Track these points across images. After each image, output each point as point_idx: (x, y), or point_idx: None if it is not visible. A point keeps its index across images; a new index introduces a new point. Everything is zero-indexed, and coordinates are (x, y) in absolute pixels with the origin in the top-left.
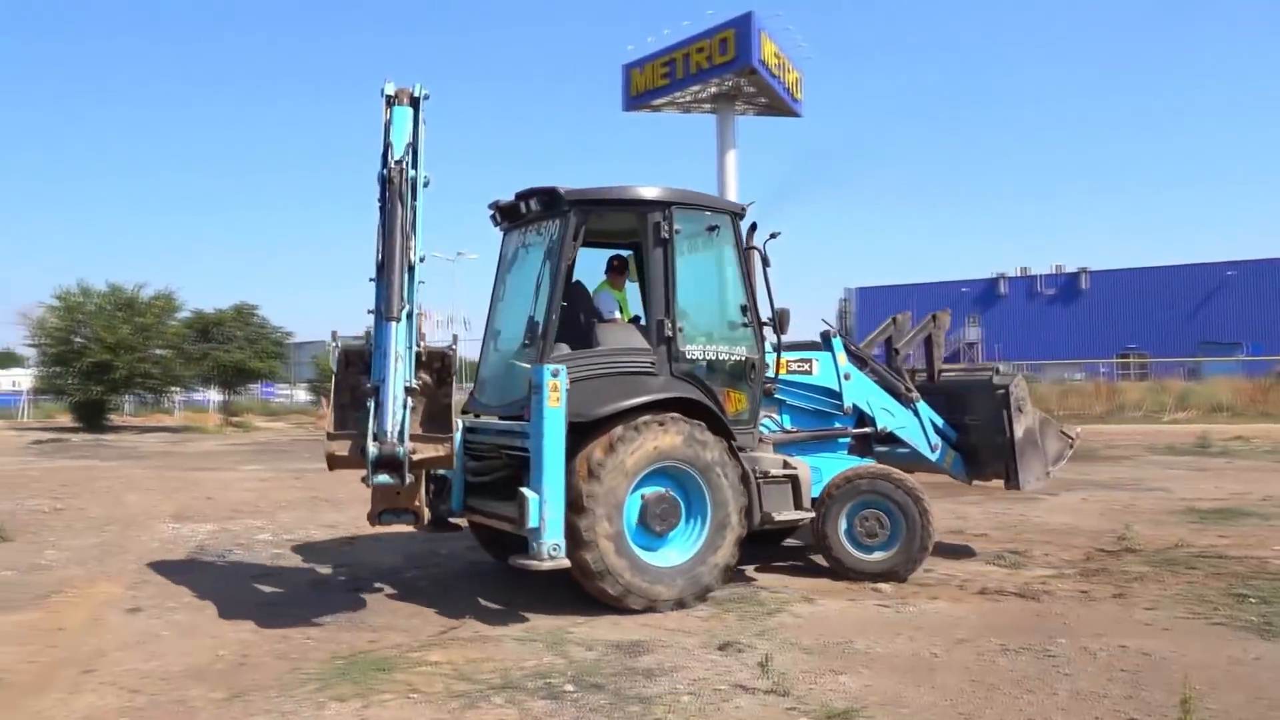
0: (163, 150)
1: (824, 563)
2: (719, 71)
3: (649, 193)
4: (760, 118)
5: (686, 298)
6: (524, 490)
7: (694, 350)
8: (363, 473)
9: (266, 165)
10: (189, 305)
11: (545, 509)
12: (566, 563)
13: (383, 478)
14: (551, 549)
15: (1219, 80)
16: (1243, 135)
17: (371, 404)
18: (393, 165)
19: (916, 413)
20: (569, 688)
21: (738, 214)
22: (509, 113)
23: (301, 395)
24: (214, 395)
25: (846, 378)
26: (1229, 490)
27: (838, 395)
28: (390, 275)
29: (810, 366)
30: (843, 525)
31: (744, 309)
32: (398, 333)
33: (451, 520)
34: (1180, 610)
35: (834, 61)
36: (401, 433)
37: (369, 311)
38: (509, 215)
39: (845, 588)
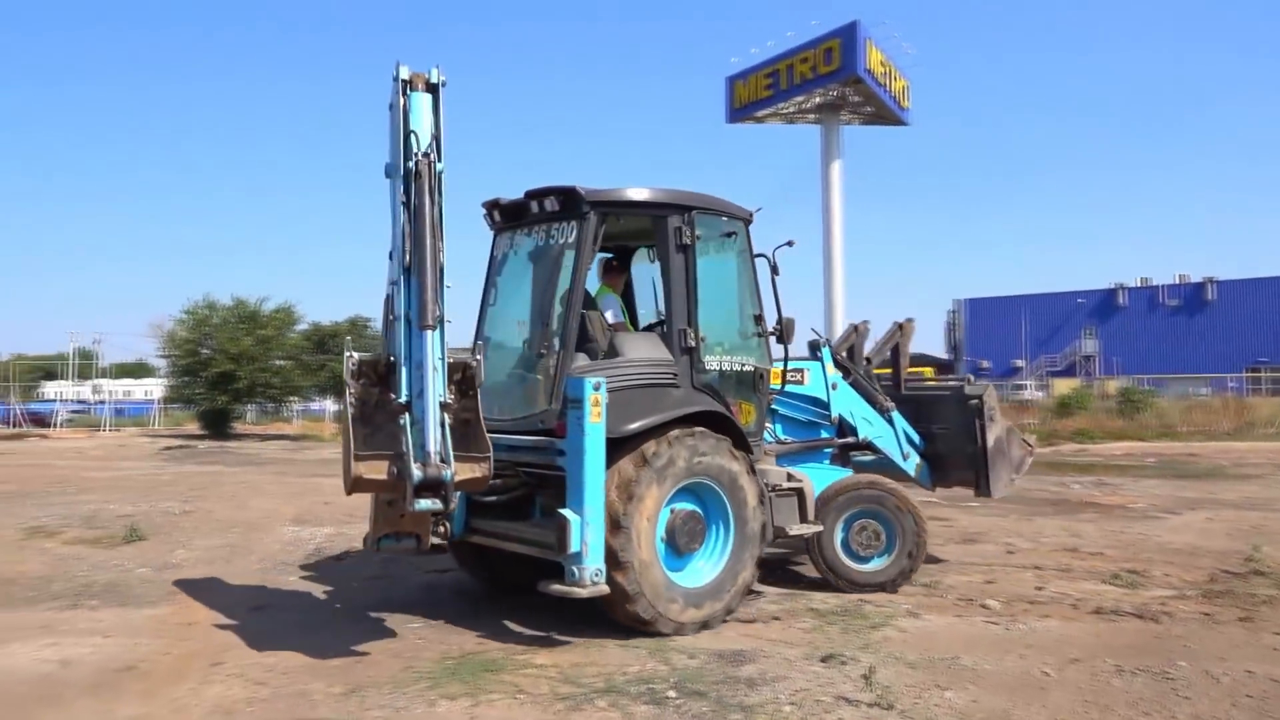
0: (288, 170)
1: (814, 573)
2: (824, 81)
3: (672, 196)
4: (867, 127)
5: (705, 306)
6: (564, 512)
7: (713, 361)
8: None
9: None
10: (307, 318)
11: (588, 532)
12: (607, 589)
13: (425, 502)
14: (594, 574)
15: None
16: None
17: (406, 421)
18: (420, 158)
19: (891, 422)
20: (671, 694)
21: (748, 220)
22: (610, 122)
23: None
24: (330, 405)
25: (834, 388)
26: None
27: (826, 405)
28: (423, 278)
29: (802, 377)
30: (839, 535)
31: (756, 318)
32: (433, 342)
33: (440, 543)
34: None
35: (944, 67)
36: (445, 453)
37: (391, 319)
38: (511, 215)
39: (953, 603)
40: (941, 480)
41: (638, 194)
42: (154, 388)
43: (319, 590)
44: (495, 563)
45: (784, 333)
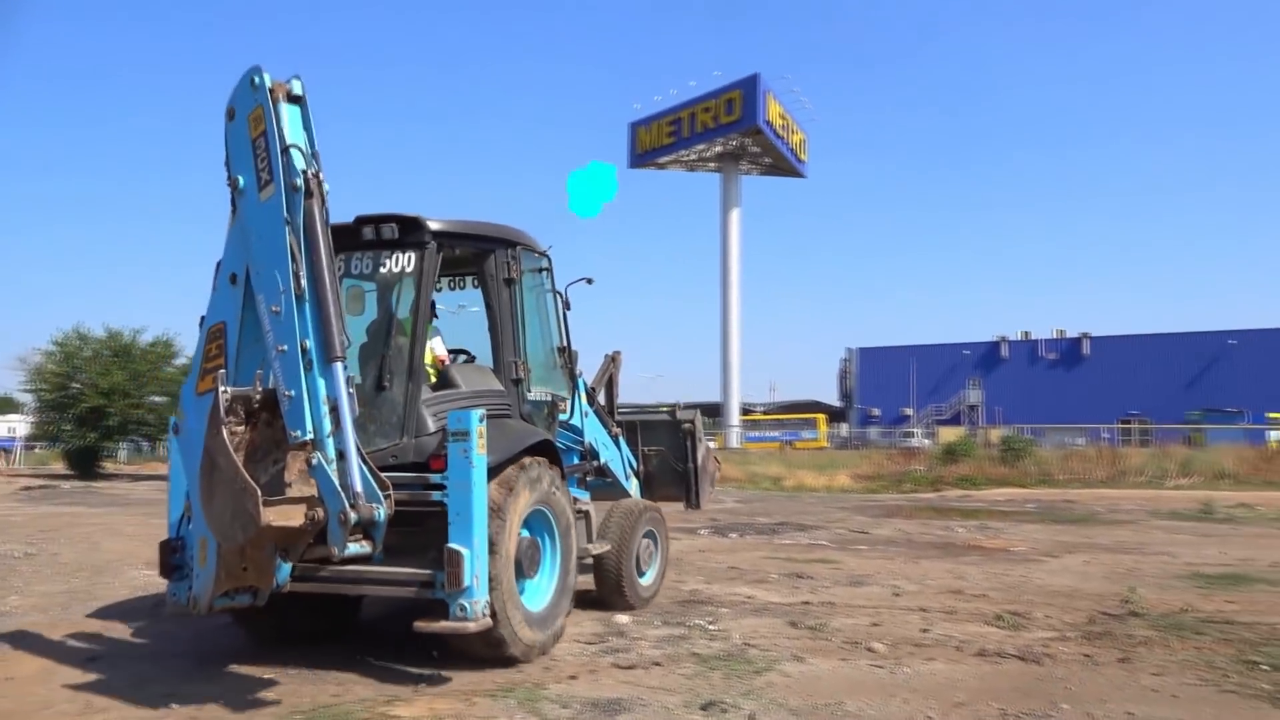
0: (167, 196)
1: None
2: (724, 131)
3: (504, 231)
4: (765, 177)
5: (528, 338)
6: (454, 546)
7: (533, 392)
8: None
9: None
10: (186, 352)
11: (477, 565)
12: (490, 622)
13: (355, 547)
14: (484, 608)
15: (1227, 152)
16: (1245, 208)
17: (319, 461)
18: (309, 174)
19: (619, 446)
20: None
21: (548, 255)
22: (507, 162)
23: None
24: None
25: (586, 416)
26: (1235, 556)
27: (580, 432)
28: (324, 307)
29: (566, 406)
30: (633, 554)
31: (560, 350)
32: (341, 375)
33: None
34: (1188, 677)
35: (840, 123)
36: (373, 492)
37: (280, 350)
38: (339, 240)
39: (839, 646)
40: (649, 495)
41: (476, 227)
42: (19, 424)
43: (163, 640)
44: (286, 612)
45: (572, 364)
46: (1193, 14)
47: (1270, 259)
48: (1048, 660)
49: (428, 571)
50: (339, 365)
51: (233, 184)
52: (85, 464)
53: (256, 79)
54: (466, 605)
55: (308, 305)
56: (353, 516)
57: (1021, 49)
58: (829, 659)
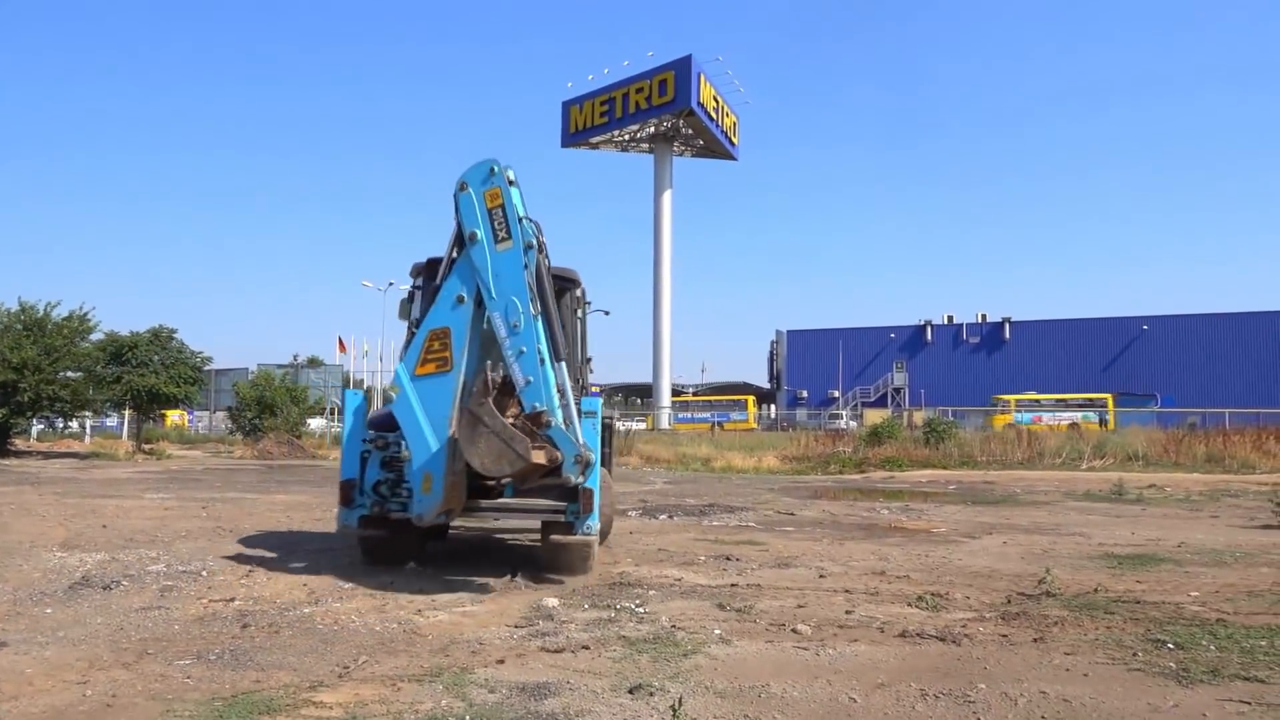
0: (89, 170)
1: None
2: (657, 112)
3: (575, 274)
4: (698, 159)
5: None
6: (588, 486)
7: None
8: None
9: (209, 193)
10: (104, 327)
11: (597, 500)
12: (598, 538)
13: (581, 478)
14: (596, 529)
15: (1146, 137)
16: (1162, 194)
17: (557, 421)
18: (538, 238)
19: None
20: None
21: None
22: (442, 137)
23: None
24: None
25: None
26: (1145, 536)
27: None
28: (551, 324)
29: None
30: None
31: (587, 360)
32: (563, 368)
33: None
34: (1099, 655)
35: (772, 105)
36: (589, 445)
37: (522, 350)
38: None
39: (765, 628)
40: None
41: (567, 271)
42: None
43: (76, 624)
44: (405, 539)
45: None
46: None
47: (1182, 246)
48: (966, 641)
49: (562, 503)
50: (561, 362)
51: (470, 236)
52: None
53: (495, 169)
54: (591, 526)
55: (539, 321)
56: (588, 457)
57: (950, 33)
58: (755, 641)
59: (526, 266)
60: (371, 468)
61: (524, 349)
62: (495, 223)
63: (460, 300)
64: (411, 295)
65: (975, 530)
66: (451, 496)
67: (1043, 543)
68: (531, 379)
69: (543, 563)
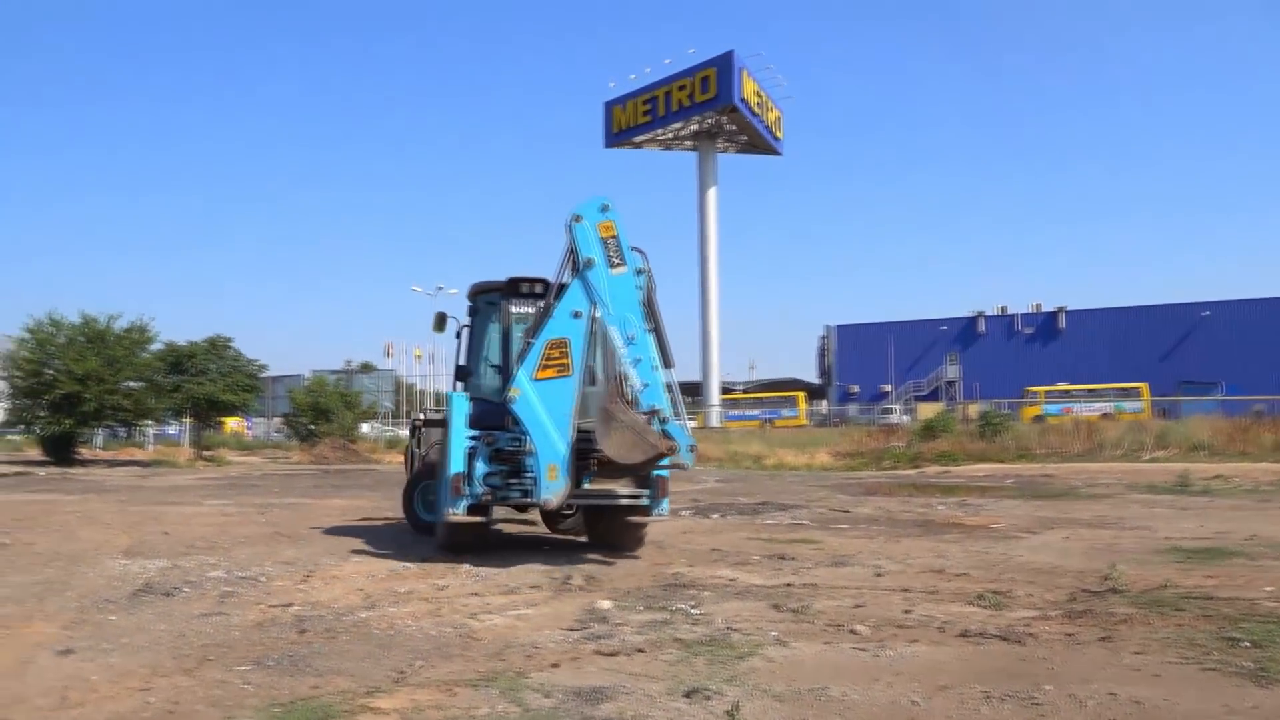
0: (146, 181)
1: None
2: (700, 109)
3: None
4: (742, 155)
5: None
6: (664, 475)
7: None
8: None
9: (266, 196)
10: (163, 337)
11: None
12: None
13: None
14: (667, 512)
15: (1202, 122)
16: (1218, 180)
17: (670, 418)
18: (646, 264)
19: None
20: None
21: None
22: (483, 142)
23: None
24: (174, 429)
25: None
26: (1213, 529)
27: None
28: (661, 337)
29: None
30: None
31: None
32: (672, 374)
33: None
34: (1170, 655)
35: (817, 100)
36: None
37: (638, 359)
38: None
39: (822, 629)
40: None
41: None
42: None
43: (139, 631)
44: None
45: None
46: None
47: (1241, 230)
48: (1030, 640)
49: (644, 490)
50: (671, 369)
51: (587, 262)
52: (61, 450)
53: (607, 205)
54: (665, 508)
55: (651, 335)
56: (697, 448)
57: (998, 20)
58: (812, 642)
59: (639, 288)
60: (479, 462)
61: (640, 358)
62: (610, 250)
63: (577, 315)
64: (444, 314)
65: (1035, 525)
66: (571, 484)
67: (1106, 537)
68: (649, 383)
69: (608, 541)
